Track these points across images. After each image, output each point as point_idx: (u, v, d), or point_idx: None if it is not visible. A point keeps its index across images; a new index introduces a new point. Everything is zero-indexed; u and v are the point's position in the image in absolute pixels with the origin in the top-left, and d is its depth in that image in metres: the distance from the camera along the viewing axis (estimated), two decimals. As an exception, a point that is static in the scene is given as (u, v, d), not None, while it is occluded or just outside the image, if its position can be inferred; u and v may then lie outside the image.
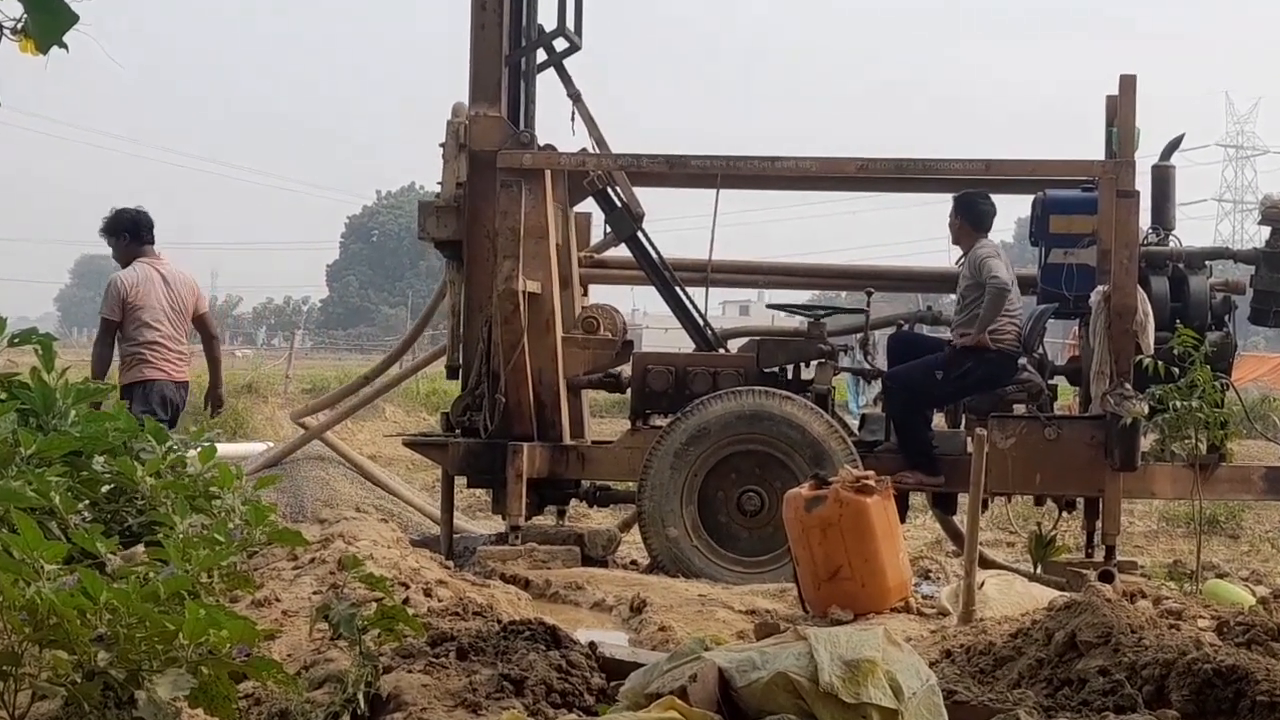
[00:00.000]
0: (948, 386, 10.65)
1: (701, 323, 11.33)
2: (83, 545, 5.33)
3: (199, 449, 7.24)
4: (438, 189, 11.24)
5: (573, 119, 11.56)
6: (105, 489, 6.92)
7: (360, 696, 4.94)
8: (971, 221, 10.85)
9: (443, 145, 11.12)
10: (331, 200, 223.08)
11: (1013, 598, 8.04)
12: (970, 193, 10.98)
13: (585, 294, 11.94)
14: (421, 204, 11.30)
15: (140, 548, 6.30)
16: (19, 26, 3.83)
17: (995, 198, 11.10)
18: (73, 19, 3.88)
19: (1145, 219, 10.92)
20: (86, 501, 6.56)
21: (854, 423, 11.89)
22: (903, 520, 9.62)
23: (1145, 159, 10.93)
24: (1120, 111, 10.59)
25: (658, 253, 11.36)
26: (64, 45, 3.91)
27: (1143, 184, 10.78)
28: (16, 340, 7.54)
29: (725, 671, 4.43)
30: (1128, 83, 10.54)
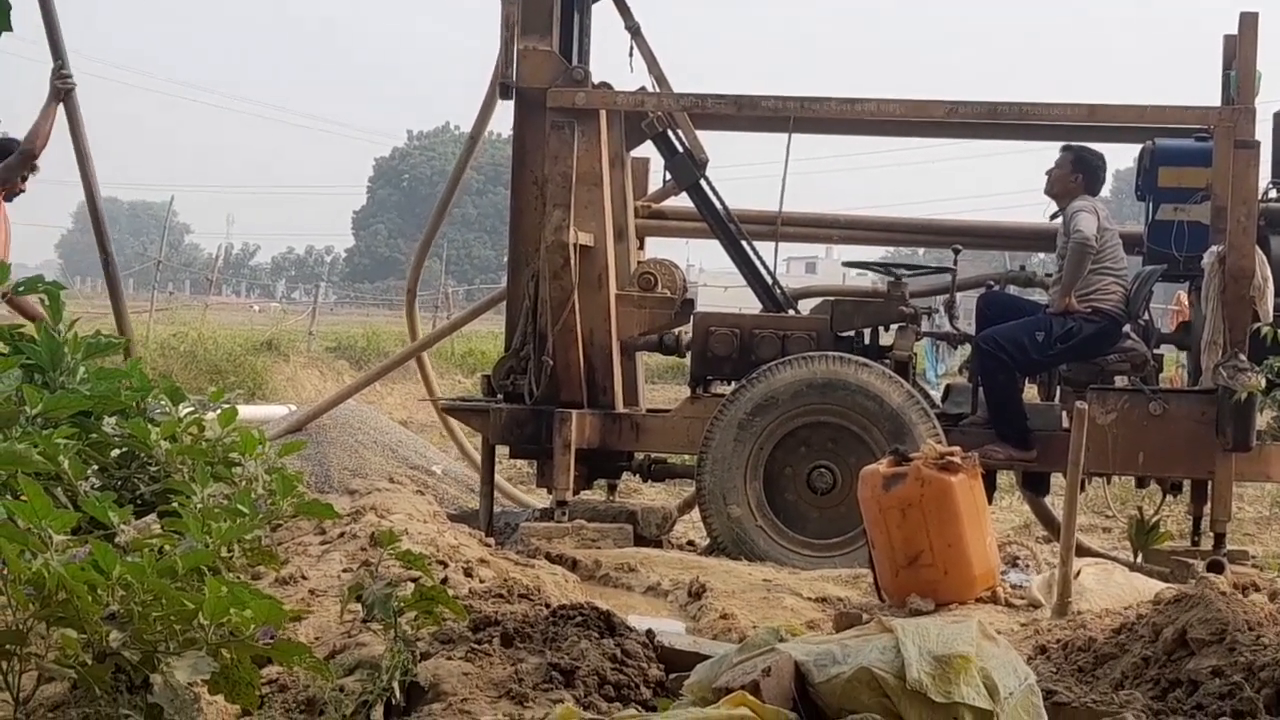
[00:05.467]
0: (1049, 349, 10.57)
1: (770, 281, 11.28)
2: (93, 514, 5.35)
3: (218, 411, 7.26)
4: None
5: (631, 54, 11.51)
6: (116, 453, 6.95)
7: (395, 685, 4.95)
8: (1088, 179, 10.79)
9: None
10: (358, 141, 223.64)
11: (1112, 589, 8.00)
12: (1090, 150, 10.91)
13: (641, 247, 11.90)
14: None
15: (154, 518, 6.32)
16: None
17: (1097, 147, 11.03)
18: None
19: (1265, 172, 10.80)
20: (96, 467, 6.59)
21: (935, 393, 11.83)
22: (989, 501, 9.57)
23: (1267, 105, 10.82)
24: (1240, 53, 10.48)
25: (722, 203, 11.30)
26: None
27: (1263, 133, 10.68)
28: (21, 289, 7.58)
29: (802, 665, 4.41)
30: (1248, 21, 10.42)
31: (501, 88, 11.15)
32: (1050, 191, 10.96)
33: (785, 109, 11.12)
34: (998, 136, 12.38)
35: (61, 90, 11.00)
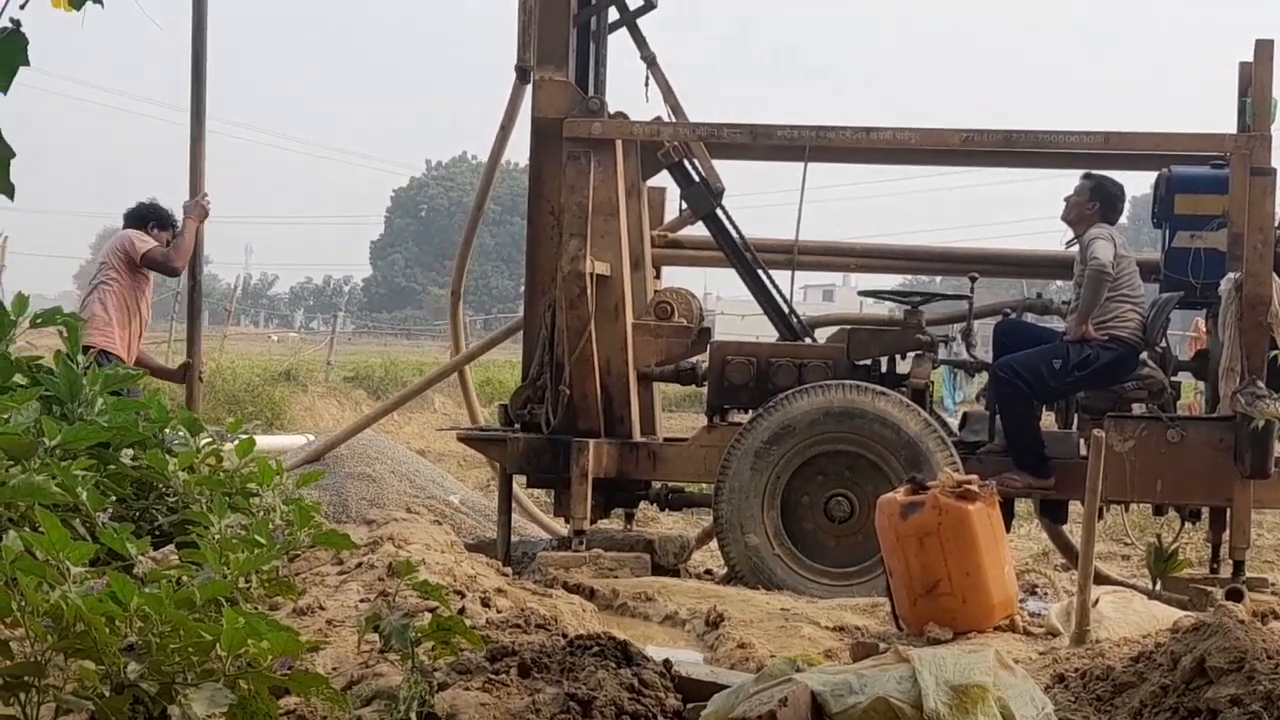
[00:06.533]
0: (1066, 377, 10.55)
1: (786, 309, 11.28)
2: (111, 546, 5.35)
3: (236, 441, 7.27)
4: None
5: (646, 84, 11.53)
6: (134, 484, 6.95)
7: (413, 715, 4.94)
8: (1106, 207, 10.78)
9: None
10: (376, 171, 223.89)
11: (1131, 617, 7.98)
12: (1110, 180, 10.90)
13: (658, 276, 11.91)
14: None
15: (172, 549, 6.33)
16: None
17: (1114, 174, 11.03)
18: (108, -29, 3.90)
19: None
20: (114, 498, 6.59)
21: (953, 421, 11.81)
22: (1007, 529, 9.55)
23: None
24: (1255, 80, 10.47)
25: (739, 232, 11.31)
26: (99, 0, 3.92)
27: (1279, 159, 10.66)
28: (40, 321, 7.60)
29: (819, 695, 4.41)
30: (1264, 48, 10.42)
31: (519, 71, 11.21)
32: (1067, 218, 10.94)
33: (800, 138, 11.13)
34: (1013, 165, 12.37)
35: (204, 211, 11.53)
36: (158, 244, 11.62)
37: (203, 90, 11.37)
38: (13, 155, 3.97)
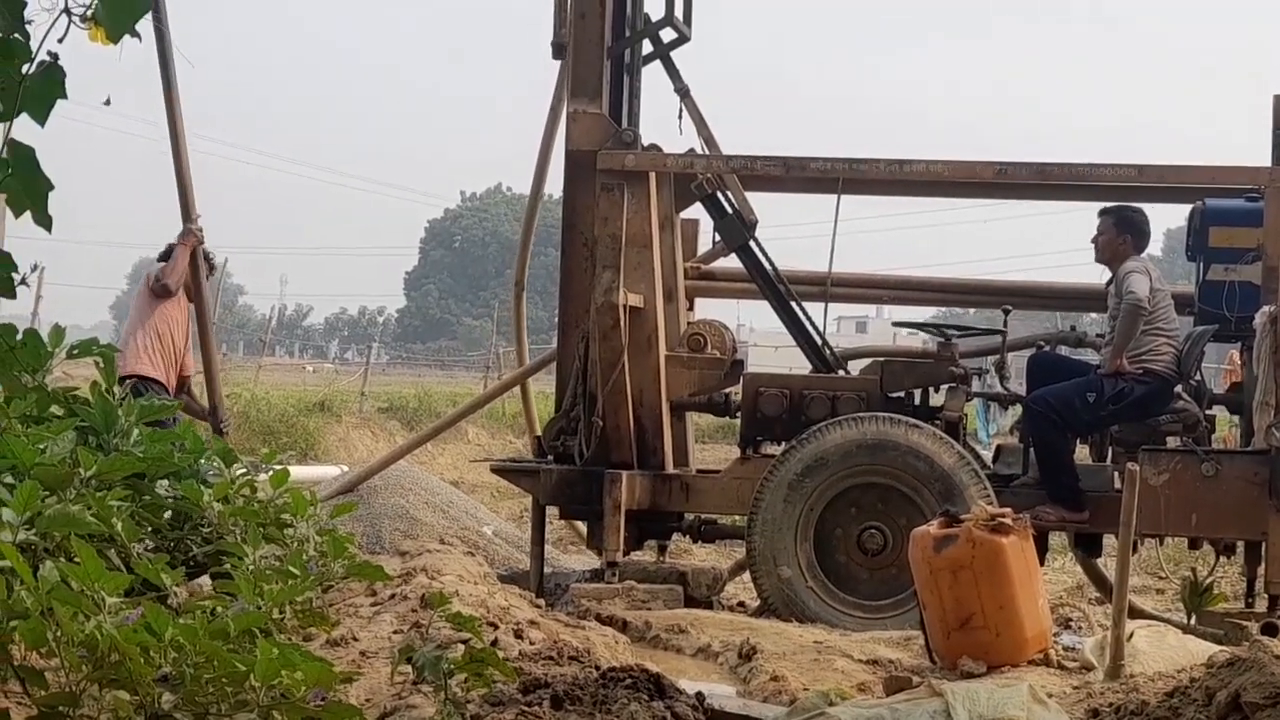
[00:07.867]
0: (1100, 410, 10.52)
1: (819, 341, 11.26)
2: (146, 576, 5.37)
3: (270, 472, 7.29)
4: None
5: (680, 117, 11.56)
6: (169, 515, 6.97)
7: (446, 747, 4.94)
8: (1136, 237, 10.75)
9: None
10: (411, 202, 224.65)
11: (1165, 652, 7.93)
12: (1129, 207, 10.87)
13: (691, 308, 11.91)
14: None
15: (206, 580, 6.34)
16: (89, 14, 3.86)
17: (1145, 207, 11.00)
18: (146, 6, 3.93)
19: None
20: (149, 528, 6.61)
21: (986, 454, 11.79)
22: (1041, 563, 9.52)
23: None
24: (1291, 113, 10.44)
25: (771, 264, 11.31)
26: (136, 34, 3.94)
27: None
28: (76, 352, 7.63)
29: (851, 729, 4.40)
30: (1299, 81, 10.40)
31: (555, 48, 11.25)
32: (1102, 259, 10.89)
33: (834, 170, 11.14)
34: (1047, 197, 12.35)
35: (196, 238, 11.77)
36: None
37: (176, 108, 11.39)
38: (51, 188, 4.00)
